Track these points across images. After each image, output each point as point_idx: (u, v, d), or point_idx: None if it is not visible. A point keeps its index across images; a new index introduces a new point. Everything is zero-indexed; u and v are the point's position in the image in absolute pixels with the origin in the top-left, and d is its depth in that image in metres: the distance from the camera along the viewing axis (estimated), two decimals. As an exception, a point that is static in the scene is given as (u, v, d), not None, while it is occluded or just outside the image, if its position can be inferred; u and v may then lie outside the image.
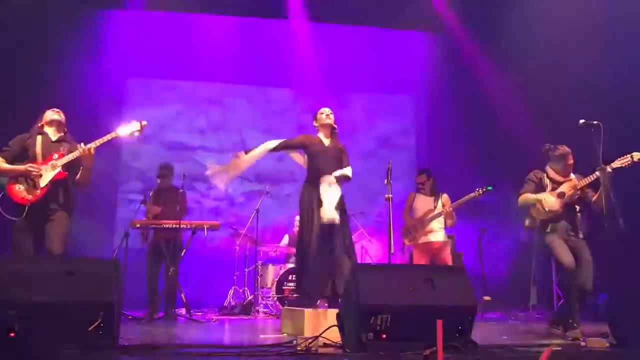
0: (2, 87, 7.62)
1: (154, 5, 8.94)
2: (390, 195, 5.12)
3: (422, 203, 6.52)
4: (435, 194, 6.55)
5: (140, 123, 4.74)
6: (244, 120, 9.87)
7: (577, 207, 5.07)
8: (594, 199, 4.97)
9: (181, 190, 6.69)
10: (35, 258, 4.20)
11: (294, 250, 7.38)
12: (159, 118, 9.54)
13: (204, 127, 9.84)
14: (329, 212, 4.75)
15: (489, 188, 6.34)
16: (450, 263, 6.51)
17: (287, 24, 9.32)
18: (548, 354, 2.91)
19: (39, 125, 4.70)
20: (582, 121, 4.52)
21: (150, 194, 6.99)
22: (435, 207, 6.42)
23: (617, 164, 4.85)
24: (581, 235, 5.02)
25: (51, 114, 4.72)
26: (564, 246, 4.89)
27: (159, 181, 7.00)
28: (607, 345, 3.61)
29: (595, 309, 7.85)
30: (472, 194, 6.37)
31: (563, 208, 5.03)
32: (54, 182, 4.48)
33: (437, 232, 6.45)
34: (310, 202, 4.90)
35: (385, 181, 5.22)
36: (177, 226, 6.46)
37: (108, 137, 4.61)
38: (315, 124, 5.25)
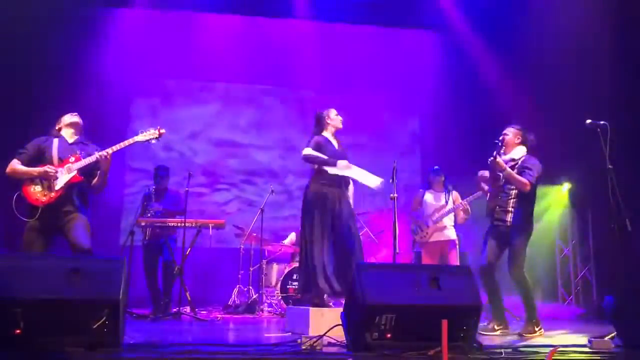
0: (26, 90, 7.72)
1: (177, 5, 9.08)
2: (395, 195, 5.12)
3: (433, 199, 6.54)
4: (445, 190, 6.58)
5: (159, 130, 4.75)
6: (280, 119, 10.00)
7: (505, 195, 5.13)
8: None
9: (185, 190, 6.70)
10: (40, 256, 4.21)
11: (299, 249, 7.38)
12: (202, 117, 9.83)
13: (245, 125, 9.98)
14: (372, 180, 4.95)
15: None
16: (457, 262, 6.52)
17: (298, 25, 9.43)
18: (552, 355, 2.90)
19: (57, 128, 4.72)
20: (588, 121, 4.51)
21: (151, 193, 7.06)
22: (447, 202, 6.46)
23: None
24: (508, 222, 5.10)
25: (69, 117, 4.74)
26: (488, 245, 5.15)
27: (155, 182, 7.08)
28: (613, 346, 3.60)
29: (601, 310, 7.83)
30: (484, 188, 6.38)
31: (489, 199, 5.32)
32: (69, 185, 4.48)
33: (449, 230, 6.51)
34: (324, 201, 4.88)
35: (391, 180, 5.22)
36: (183, 224, 6.50)
37: (126, 142, 4.64)
38: (329, 122, 5.18)
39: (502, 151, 5.21)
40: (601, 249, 8.36)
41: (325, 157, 4.95)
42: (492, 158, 5.07)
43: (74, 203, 4.51)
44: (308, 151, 4.99)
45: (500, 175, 5.14)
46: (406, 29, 9.88)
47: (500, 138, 5.27)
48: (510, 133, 5.28)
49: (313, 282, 4.74)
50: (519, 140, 5.27)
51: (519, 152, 5.23)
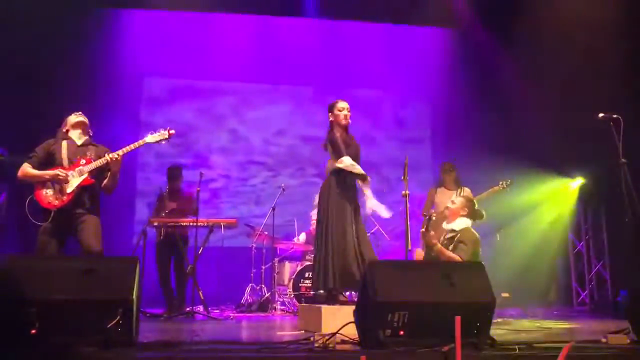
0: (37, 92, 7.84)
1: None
2: (407, 192, 5.10)
3: (444, 197, 6.45)
4: (457, 187, 6.47)
5: (168, 131, 4.75)
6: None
7: None
8: None
9: (197, 190, 6.72)
10: (54, 256, 4.24)
11: (310, 247, 7.38)
12: (281, 115, 10.11)
13: (319, 122, 9.99)
14: (375, 204, 4.90)
15: (512, 181, 6.28)
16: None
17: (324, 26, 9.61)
18: (567, 351, 2.88)
19: (64, 130, 4.71)
20: (601, 115, 4.46)
21: (164, 193, 7.10)
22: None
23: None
24: None
25: (75, 117, 4.73)
26: None
27: (168, 182, 7.12)
28: (628, 341, 3.56)
29: (615, 305, 7.77)
30: (495, 188, 6.30)
31: None
32: (80, 188, 4.48)
33: None
34: (345, 199, 4.83)
35: (402, 177, 5.20)
36: (195, 224, 6.52)
37: (136, 144, 4.62)
38: (331, 118, 4.99)
39: (433, 223, 5.25)
40: (615, 243, 8.30)
41: (361, 170, 4.85)
42: (423, 230, 5.08)
43: (86, 205, 4.51)
44: (348, 161, 4.81)
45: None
46: (419, 26, 9.86)
47: (447, 206, 5.27)
48: (459, 203, 5.24)
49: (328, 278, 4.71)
50: (465, 213, 5.19)
51: (462, 223, 5.15)
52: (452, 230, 5.18)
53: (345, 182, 4.89)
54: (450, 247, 5.07)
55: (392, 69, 9.86)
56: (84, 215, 4.49)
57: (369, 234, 7.33)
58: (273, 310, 7.10)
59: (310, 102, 9.99)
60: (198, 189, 6.73)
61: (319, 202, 4.98)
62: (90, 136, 4.75)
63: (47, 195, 4.44)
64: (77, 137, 4.68)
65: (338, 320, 3.78)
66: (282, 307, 7.30)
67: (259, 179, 9.83)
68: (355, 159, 4.93)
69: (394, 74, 9.92)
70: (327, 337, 3.35)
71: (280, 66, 9.72)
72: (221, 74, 9.76)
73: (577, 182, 9.02)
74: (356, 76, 9.84)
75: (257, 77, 9.92)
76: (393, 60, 9.82)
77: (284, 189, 7.91)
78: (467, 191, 6.50)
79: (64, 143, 4.61)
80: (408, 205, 5.11)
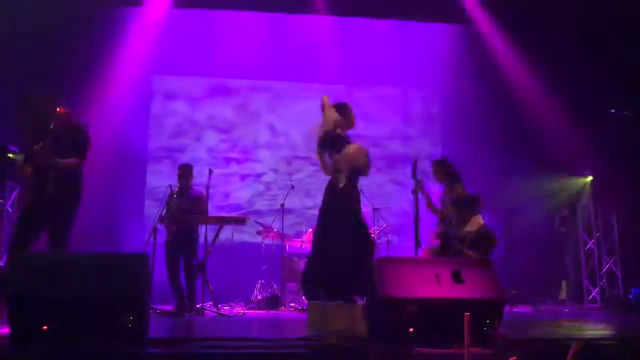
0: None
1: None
2: (416, 189, 5.10)
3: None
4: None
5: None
6: (373, 113, 10.00)
7: None
8: None
9: (206, 186, 6.71)
10: (65, 253, 4.27)
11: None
12: (312, 113, 9.88)
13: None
14: None
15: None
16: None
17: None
18: (577, 349, 2.87)
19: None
20: (612, 111, 4.44)
21: (174, 192, 7.08)
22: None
23: None
24: None
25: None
26: None
27: (179, 181, 7.10)
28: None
29: (627, 303, 7.73)
30: None
31: None
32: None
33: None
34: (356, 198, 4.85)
35: (412, 177, 5.19)
36: (205, 221, 6.52)
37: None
38: (346, 120, 5.10)
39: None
40: (626, 240, 8.25)
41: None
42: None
43: (51, 198, 4.46)
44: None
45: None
46: (426, 22, 9.83)
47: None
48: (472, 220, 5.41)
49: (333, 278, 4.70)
50: (476, 212, 5.44)
51: (476, 223, 5.36)
52: (468, 232, 5.30)
53: (347, 181, 4.89)
54: (466, 247, 5.18)
55: (402, 66, 9.84)
56: (55, 209, 4.47)
57: (378, 230, 7.39)
58: (282, 307, 7.12)
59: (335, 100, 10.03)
60: (207, 185, 6.72)
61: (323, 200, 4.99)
62: (57, 123, 4.55)
63: None
64: (53, 129, 4.54)
65: (347, 316, 3.78)
66: (292, 304, 7.31)
67: (304, 172, 9.90)
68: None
69: (403, 71, 9.90)
70: (335, 334, 3.35)
71: (301, 64, 9.73)
72: (251, 73, 9.80)
73: (587, 179, 8.97)
74: (365, 74, 9.82)
75: (285, 75, 9.97)
76: (403, 57, 9.80)
77: (293, 187, 7.91)
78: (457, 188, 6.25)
79: (46, 137, 4.51)
80: (418, 203, 5.10)
